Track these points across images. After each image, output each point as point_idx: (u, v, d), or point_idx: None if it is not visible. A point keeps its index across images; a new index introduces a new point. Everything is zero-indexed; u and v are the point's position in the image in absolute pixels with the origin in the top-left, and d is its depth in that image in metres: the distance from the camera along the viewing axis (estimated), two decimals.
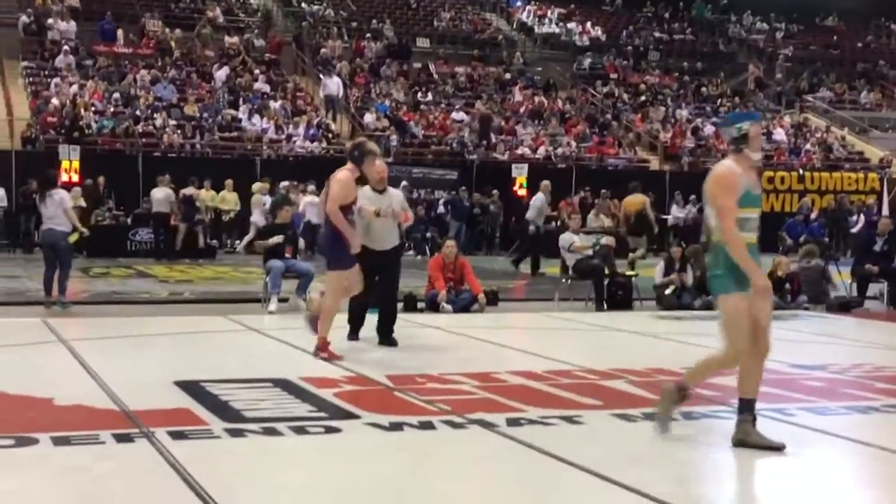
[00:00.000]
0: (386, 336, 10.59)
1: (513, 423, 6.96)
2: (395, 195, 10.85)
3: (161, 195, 24.08)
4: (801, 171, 34.28)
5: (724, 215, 6.23)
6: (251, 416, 6.95)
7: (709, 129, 36.88)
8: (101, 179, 25.72)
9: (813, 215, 29.86)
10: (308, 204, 24.97)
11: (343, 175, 9.53)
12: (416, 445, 6.49)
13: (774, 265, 16.42)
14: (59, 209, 14.07)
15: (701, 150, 35.48)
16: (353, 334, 10.87)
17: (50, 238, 14.23)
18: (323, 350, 9.55)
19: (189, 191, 25.40)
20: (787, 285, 15.83)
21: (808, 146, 37.17)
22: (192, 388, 7.89)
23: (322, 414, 7.12)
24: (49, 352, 10.19)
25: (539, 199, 22.27)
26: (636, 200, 23.98)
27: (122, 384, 7.94)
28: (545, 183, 23.25)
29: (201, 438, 6.36)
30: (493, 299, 14.78)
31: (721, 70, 43.37)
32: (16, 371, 8.92)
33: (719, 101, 40.35)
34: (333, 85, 32.99)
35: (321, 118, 32.05)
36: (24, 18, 33.75)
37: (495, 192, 29.07)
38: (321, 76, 34.00)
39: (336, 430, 6.69)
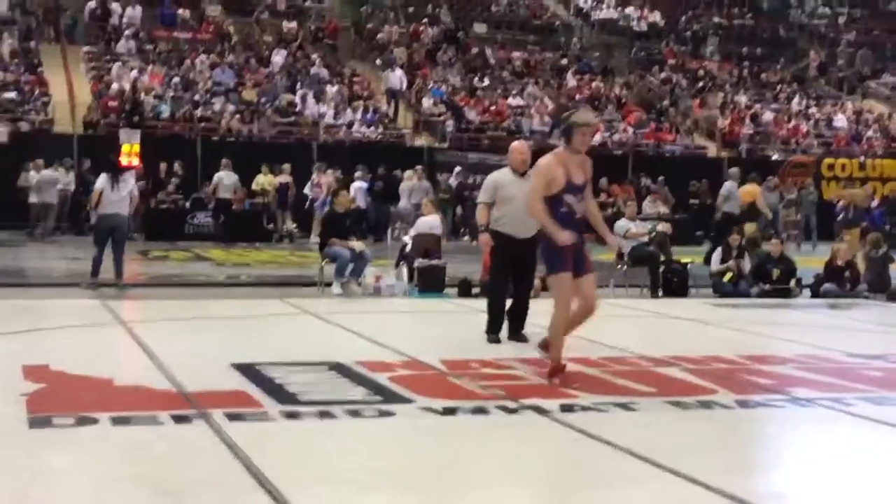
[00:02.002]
0: (516, 331, 10.05)
1: (566, 409, 6.95)
2: None
3: (229, 181, 24.28)
4: (862, 159, 33.77)
5: None
6: (306, 399, 7.00)
7: (768, 116, 36.45)
8: (163, 165, 25.99)
9: (874, 203, 29.43)
10: (357, 189, 25.11)
11: (543, 162, 7.98)
12: (469, 430, 6.51)
13: (833, 253, 16.25)
14: (129, 195, 14.31)
15: (759, 137, 35.10)
16: (494, 334, 10.04)
17: (115, 221, 14.36)
18: (554, 374, 7.92)
19: (284, 178, 25.77)
20: (847, 273, 15.64)
21: (869, 133, 36.61)
22: (249, 370, 7.97)
23: (377, 398, 7.16)
24: (108, 333, 10.34)
25: (728, 186, 21.94)
26: (747, 191, 23.64)
27: (180, 366, 8.04)
28: (734, 170, 23.08)
29: (257, 421, 6.43)
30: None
31: (781, 56, 42.80)
32: (76, 352, 9.06)
33: (779, 87, 39.84)
34: (395, 79, 33.04)
35: (378, 105, 32.13)
36: (90, 4, 34.16)
37: None
38: (383, 71, 34.04)
39: (390, 413, 6.72)
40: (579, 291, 7.95)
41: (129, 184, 14.40)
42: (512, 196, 9.82)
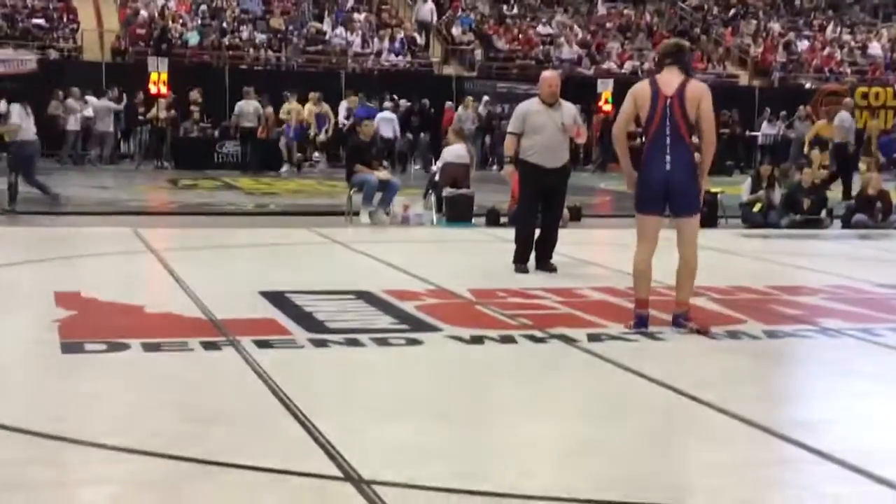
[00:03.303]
0: (544, 261, 10.02)
1: (593, 338, 6.97)
2: (568, 109, 9.96)
3: (250, 109, 24.19)
4: None
5: None
6: (334, 327, 7.05)
7: (802, 44, 35.91)
8: (194, 93, 25.87)
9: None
10: (381, 119, 24.99)
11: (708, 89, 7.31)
12: (496, 359, 6.55)
13: (864, 182, 16.09)
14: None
15: (793, 66, 34.61)
16: (521, 263, 9.97)
17: (34, 148, 14.74)
18: (691, 318, 7.33)
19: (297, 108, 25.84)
20: (878, 203, 15.49)
21: None
22: (277, 298, 8.02)
23: (404, 326, 7.20)
24: (139, 261, 10.43)
25: (842, 117, 21.10)
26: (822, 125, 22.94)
27: (210, 293, 8.10)
28: (848, 101, 22.38)
29: (286, 348, 6.49)
30: (576, 215, 14.71)
31: None
32: (108, 279, 9.15)
33: (813, 14, 39.19)
34: (426, 11, 32.72)
35: (407, 33, 31.86)
36: None
37: (578, 106, 28.68)
38: (414, 3, 33.72)
39: (418, 342, 6.76)
40: (655, 231, 7.43)
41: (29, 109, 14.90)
42: (541, 126, 9.78)
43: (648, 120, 7.18)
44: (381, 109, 25.79)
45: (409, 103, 26.83)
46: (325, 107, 25.75)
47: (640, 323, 7.29)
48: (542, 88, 9.98)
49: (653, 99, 7.17)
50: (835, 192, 18.47)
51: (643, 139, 7.31)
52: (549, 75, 10.21)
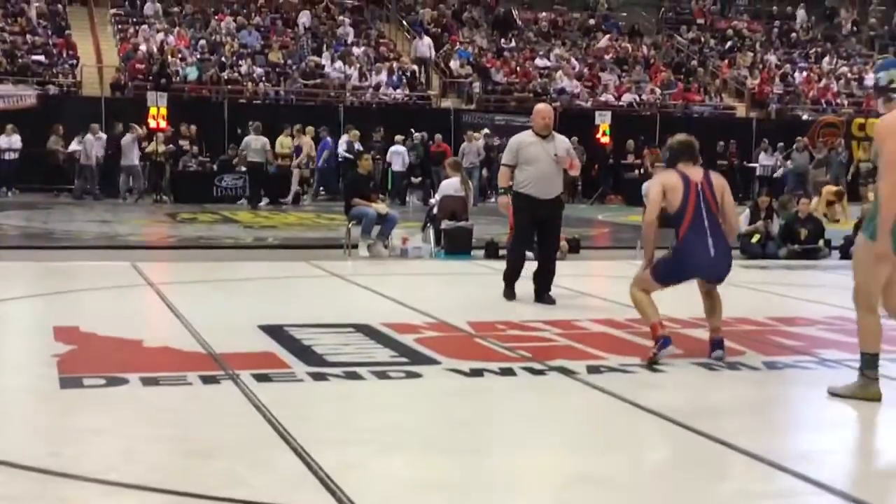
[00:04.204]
0: (542, 293, 10.05)
1: (593, 370, 6.97)
2: (561, 141, 10.05)
3: (258, 144, 24.12)
4: None
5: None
6: (333, 361, 7.05)
7: (799, 76, 36.07)
8: (189, 127, 25.93)
9: None
10: (393, 152, 25.27)
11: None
12: (496, 391, 6.54)
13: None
14: None
15: (789, 97, 34.75)
16: (509, 288, 10.19)
17: None
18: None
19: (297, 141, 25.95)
20: None
21: None
22: (276, 332, 8.02)
23: (403, 359, 7.20)
24: (138, 295, 10.42)
25: None
26: None
27: (208, 327, 8.10)
28: None
29: (285, 381, 6.48)
30: (574, 247, 14.74)
31: (812, 14, 42.28)
32: (107, 313, 9.14)
33: (809, 46, 39.39)
34: (424, 47, 32.88)
35: (403, 66, 32.00)
36: None
37: (575, 138, 28.77)
38: (409, 31, 33.94)
39: (417, 375, 6.76)
40: None
41: None
42: (534, 157, 9.84)
43: (682, 206, 7.36)
44: (393, 143, 26.04)
45: (424, 134, 26.92)
46: (305, 139, 25.90)
47: (666, 343, 7.30)
48: (535, 120, 10.06)
49: (685, 185, 7.39)
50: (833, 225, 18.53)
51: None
52: (543, 107, 10.28)
